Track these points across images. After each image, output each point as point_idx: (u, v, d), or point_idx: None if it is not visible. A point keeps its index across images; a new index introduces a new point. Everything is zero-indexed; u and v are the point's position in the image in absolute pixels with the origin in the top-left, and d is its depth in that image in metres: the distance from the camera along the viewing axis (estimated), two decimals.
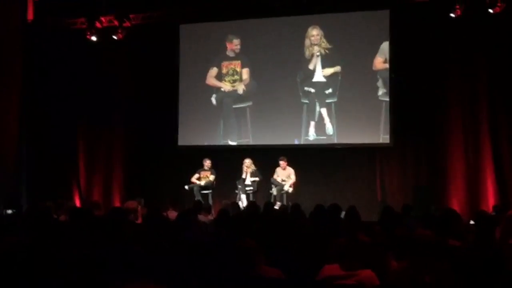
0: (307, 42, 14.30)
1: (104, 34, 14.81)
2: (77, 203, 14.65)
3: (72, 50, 15.15)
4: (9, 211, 12.32)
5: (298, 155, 13.80)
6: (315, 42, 14.20)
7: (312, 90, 14.21)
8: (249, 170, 13.55)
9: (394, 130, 13.43)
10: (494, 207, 10.90)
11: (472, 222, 8.89)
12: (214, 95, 14.91)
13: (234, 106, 14.78)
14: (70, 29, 15.24)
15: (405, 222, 7.19)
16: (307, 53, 14.30)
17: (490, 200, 12.29)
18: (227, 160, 14.25)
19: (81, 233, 5.56)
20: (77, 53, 15.15)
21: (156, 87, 14.89)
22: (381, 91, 13.68)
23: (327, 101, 14.07)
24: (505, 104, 12.67)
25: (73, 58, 15.19)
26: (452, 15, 12.67)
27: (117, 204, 14.30)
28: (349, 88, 13.92)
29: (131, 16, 14.85)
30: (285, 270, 4.75)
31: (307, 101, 14.24)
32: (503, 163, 12.61)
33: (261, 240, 5.10)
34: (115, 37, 14.67)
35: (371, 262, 4.62)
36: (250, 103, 14.68)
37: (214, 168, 13.96)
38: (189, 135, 14.92)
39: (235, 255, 4.65)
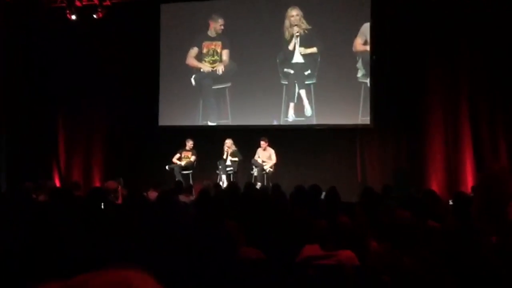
0: (286, 23, 14.27)
1: (84, 13, 14.65)
2: (57, 183, 14.58)
3: (51, 29, 14.98)
4: None
5: (278, 136, 13.80)
6: (295, 23, 14.18)
7: (291, 71, 14.22)
8: (230, 151, 13.55)
9: (375, 112, 13.46)
10: (473, 188, 10.99)
11: (451, 203, 8.96)
12: (193, 76, 14.86)
13: (213, 87, 14.75)
14: (49, 8, 15.06)
15: (385, 203, 7.23)
16: (286, 34, 14.28)
17: (469, 181, 12.38)
18: (208, 141, 14.21)
19: (61, 214, 5.54)
20: (56, 33, 14.98)
21: (136, 67, 14.80)
22: (360, 73, 13.70)
23: (306, 82, 14.09)
24: (485, 86, 12.74)
25: (52, 38, 15.03)
26: None
27: (97, 184, 14.25)
28: (328, 70, 13.93)
29: None
30: (266, 251, 4.77)
31: (286, 82, 14.25)
32: (482, 145, 12.71)
33: (241, 221, 5.11)
34: (95, 16, 14.51)
35: (351, 243, 4.65)
36: (229, 84, 14.66)
37: (195, 149, 13.93)
38: (170, 116, 14.87)
39: (215, 236, 4.66)
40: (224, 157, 13.56)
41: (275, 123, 14.20)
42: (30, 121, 14.88)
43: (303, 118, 14.06)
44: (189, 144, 13.92)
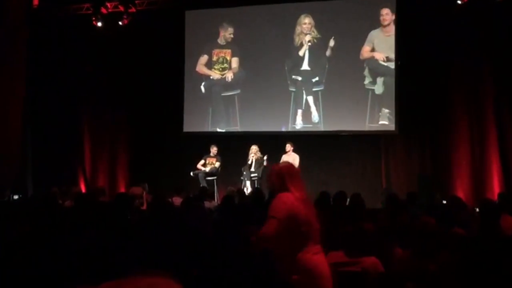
0: (298, 29, 14.39)
1: (109, 20, 14.78)
2: (83, 189, 14.68)
3: (77, 36, 15.13)
4: (16, 197, 12.38)
5: (303, 142, 13.77)
6: (306, 31, 14.30)
7: (299, 78, 14.35)
8: (255, 157, 13.56)
9: (400, 118, 13.40)
10: (500, 195, 10.89)
11: (477, 210, 8.89)
12: (203, 83, 15.00)
13: (222, 94, 14.88)
14: (75, 15, 15.21)
15: (409, 210, 7.19)
16: (296, 41, 14.41)
17: (496, 188, 12.26)
18: (233, 147, 14.23)
19: (87, 219, 5.58)
20: (82, 39, 15.12)
21: (161, 73, 14.86)
22: (367, 80, 13.81)
23: (314, 89, 14.21)
24: (510, 91, 12.62)
25: (78, 44, 15.18)
26: (458, 1, 12.64)
27: (122, 190, 14.33)
28: (336, 77, 14.03)
29: (136, 1, 14.83)
30: None
31: (294, 89, 14.38)
32: (508, 151, 12.59)
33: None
34: (120, 23, 14.64)
35: (375, 250, 4.63)
36: (238, 91, 14.79)
37: (220, 155, 13.96)
38: (194, 122, 14.93)
39: (240, 241, 4.67)
40: (249, 163, 13.57)
41: (283, 129, 14.30)
42: (56, 126, 15.00)
43: (310, 125, 14.16)
44: (213, 150, 13.95)
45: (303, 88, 14.27)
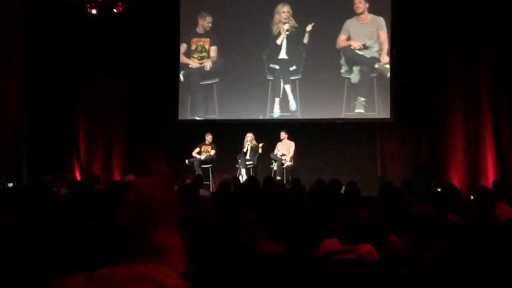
0: (276, 18, 14.48)
1: (104, 7, 14.68)
2: (78, 176, 14.65)
3: (72, 23, 15.05)
4: (10, 185, 12.34)
5: (298, 130, 13.81)
6: (284, 20, 14.41)
7: (277, 67, 14.48)
8: (250, 145, 13.57)
9: (395, 106, 13.42)
10: (494, 183, 10.92)
11: (472, 197, 8.91)
12: (182, 72, 15.09)
13: (201, 83, 14.99)
14: (70, 2, 15.10)
15: (405, 198, 7.21)
16: (274, 29, 14.52)
17: (490, 176, 12.30)
18: (228, 135, 14.24)
19: (82, 207, 5.58)
20: (77, 26, 15.04)
21: (156, 61, 14.81)
22: (343, 69, 14.00)
23: (291, 78, 14.37)
24: (506, 79, 12.63)
25: (73, 32, 15.10)
26: None
27: (117, 178, 14.31)
28: (313, 66, 14.19)
29: None
30: (285, 244, 4.77)
31: (272, 78, 14.51)
32: (503, 139, 12.62)
33: (261, 214, 5.12)
34: (115, 10, 14.54)
35: (371, 237, 4.64)
36: (217, 80, 14.89)
37: (215, 143, 13.96)
38: (189, 110, 14.93)
39: (236, 229, 4.67)
40: (244, 151, 13.58)
41: (261, 118, 14.46)
42: (51, 114, 14.92)
43: (288, 113, 14.33)
44: (208, 138, 13.95)
45: (280, 76, 14.44)
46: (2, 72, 14.08)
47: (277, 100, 14.38)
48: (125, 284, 1.35)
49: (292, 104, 14.26)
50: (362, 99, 13.78)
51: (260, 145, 13.53)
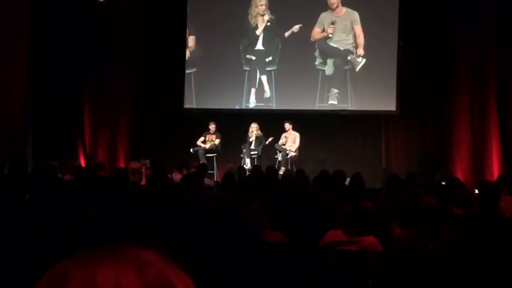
0: (253, 11, 14.60)
1: None
2: (83, 163, 14.66)
3: (78, 10, 15.02)
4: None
5: (304, 121, 13.80)
6: (261, 12, 14.53)
7: (253, 58, 14.66)
8: (255, 135, 13.55)
9: (401, 98, 13.39)
10: (500, 176, 10.90)
11: (476, 191, 8.90)
12: None
13: None
14: None
15: (409, 190, 7.20)
16: (252, 21, 14.65)
17: (495, 170, 12.28)
18: (232, 124, 14.24)
19: (86, 193, 5.58)
20: (83, 14, 15.01)
21: (162, 48, 14.80)
22: (318, 61, 14.15)
23: (267, 68, 14.55)
24: None
25: (79, 18, 15.06)
26: None
27: (122, 165, 14.32)
28: (288, 57, 14.37)
29: None
30: (289, 235, 4.77)
31: (248, 68, 14.68)
32: (509, 133, 12.59)
33: (265, 204, 5.12)
34: None
35: (374, 229, 4.64)
36: (194, 70, 15.03)
37: (219, 132, 13.96)
38: (196, 98, 14.96)
39: (240, 218, 4.67)
40: (250, 140, 13.56)
41: (237, 107, 14.68)
42: (57, 100, 14.94)
43: (263, 104, 14.51)
44: (212, 127, 13.92)
45: (256, 67, 14.62)
46: (8, 57, 14.07)
47: (253, 90, 14.59)
48: None
49: (268, 95, 14.48)
50: (336, 90, 13.96)
51: (270, 139, 13.50)
